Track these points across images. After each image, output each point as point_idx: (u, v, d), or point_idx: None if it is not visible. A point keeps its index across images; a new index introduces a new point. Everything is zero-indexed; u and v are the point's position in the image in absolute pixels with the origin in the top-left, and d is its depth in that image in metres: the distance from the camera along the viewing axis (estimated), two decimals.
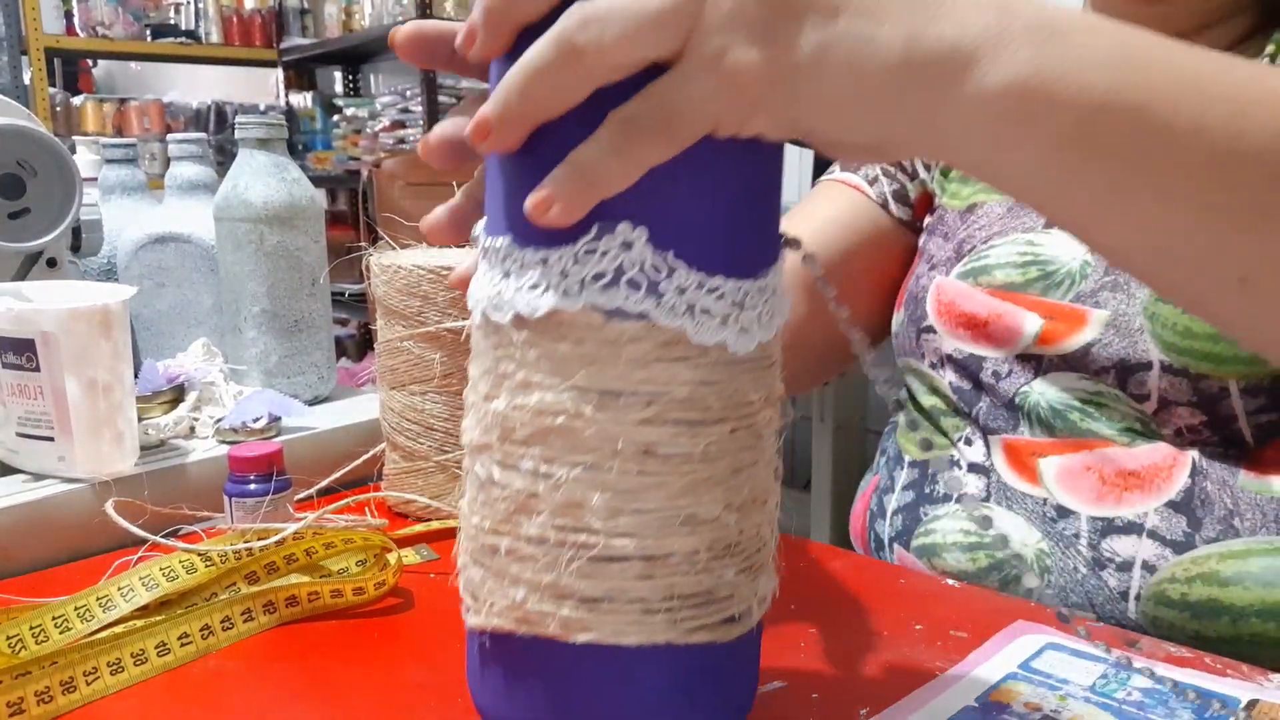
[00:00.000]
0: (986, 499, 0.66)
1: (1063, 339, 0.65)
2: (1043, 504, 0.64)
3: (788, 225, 0.83)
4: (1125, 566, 0.60)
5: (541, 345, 0.36)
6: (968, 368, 0.69)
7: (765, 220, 0.38)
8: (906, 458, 0.73)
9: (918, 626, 0.53)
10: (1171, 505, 0.60)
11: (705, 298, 0.35)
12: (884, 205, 0.78)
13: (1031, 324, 0.66)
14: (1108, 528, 0.61)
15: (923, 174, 0.79)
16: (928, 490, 0.70)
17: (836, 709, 0.45)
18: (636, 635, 0.37)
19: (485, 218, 0.39)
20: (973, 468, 0.68)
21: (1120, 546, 0.61)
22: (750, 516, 0.39)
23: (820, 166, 1.71)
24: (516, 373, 0.37)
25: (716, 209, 0.36)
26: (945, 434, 0.71)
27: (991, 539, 0.65)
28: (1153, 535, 0.60)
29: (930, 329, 0.71)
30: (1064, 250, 0.67)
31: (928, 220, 0.77)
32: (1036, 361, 0.66)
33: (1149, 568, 0.60)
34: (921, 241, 0.77)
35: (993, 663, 0.48)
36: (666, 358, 0.36)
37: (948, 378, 0.71)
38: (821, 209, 0.79)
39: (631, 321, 0.35)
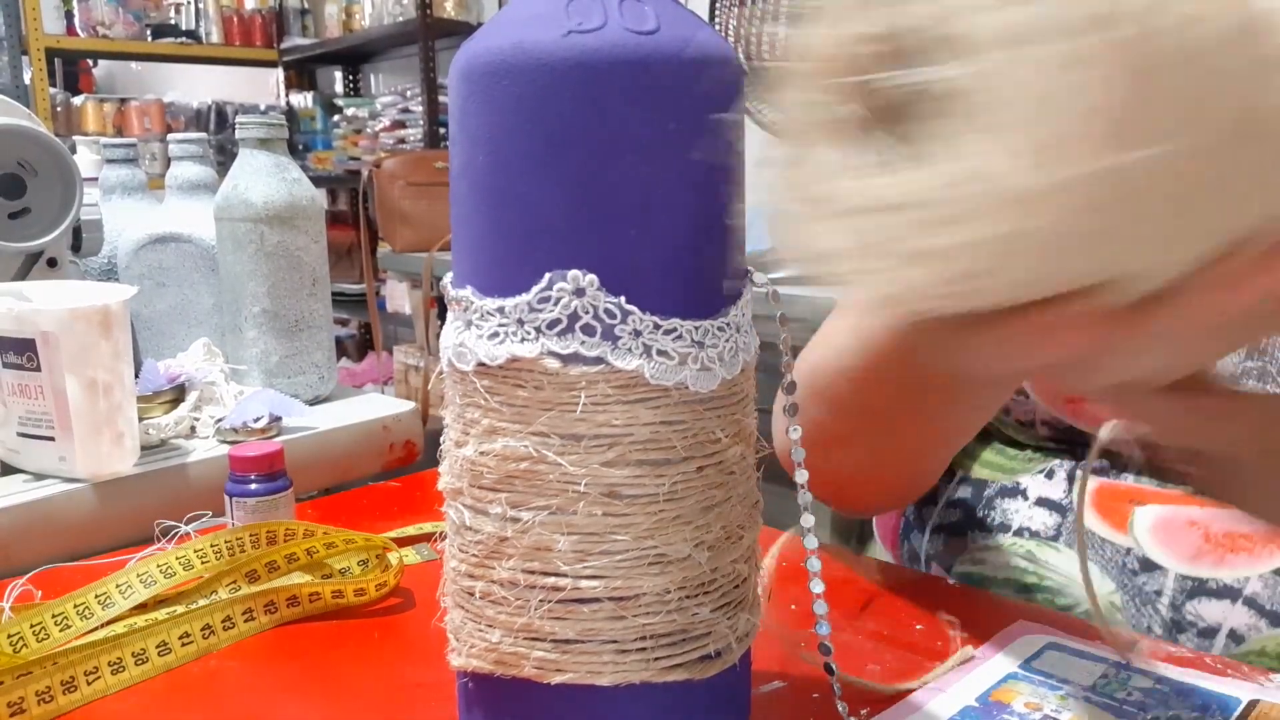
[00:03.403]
0: (1055, 538, 0.60)
1: None
2: (1125, 554, 0.58)
3: None
4: (1208, 633, 0.55)
5: (503, 392, 0.37)
6: (1069, 431, 0.63)
7: (723, 259, 0.38)
8: (959, 471, 0.67)
9: (918, 626, 0.53)
10: None
11: (662, 339, 0.36)
12: None
13: None
14: (1198, 589, 0.55)
15: None
16: (981, 515, 0.64)
17: (837, 709, 0.45)
18: (611, 675, 0.37)
19: (453, 271, 0.40)
20: (1042, 502, 0.62)
21: (1208, 611, 0.55)
22: (724, 554, 0.39)
23: None
24: (482, 419, 0.37)
25: (668, 252, 0.36)
26: (1022, 462, 0.65)
27: (1053, 584, 0.58)
28: (1250, 603, 0.54)
29: (1021, 392, 0.64)
30: None
31: None
32: None
33: (1236, 637, 0.54)
34: None
35: (993, 663, 0.48)
36: (626, 399, 0.36)
37: (1041, 431, 0.65)
38: None
39: (589, 365, 0.36)
